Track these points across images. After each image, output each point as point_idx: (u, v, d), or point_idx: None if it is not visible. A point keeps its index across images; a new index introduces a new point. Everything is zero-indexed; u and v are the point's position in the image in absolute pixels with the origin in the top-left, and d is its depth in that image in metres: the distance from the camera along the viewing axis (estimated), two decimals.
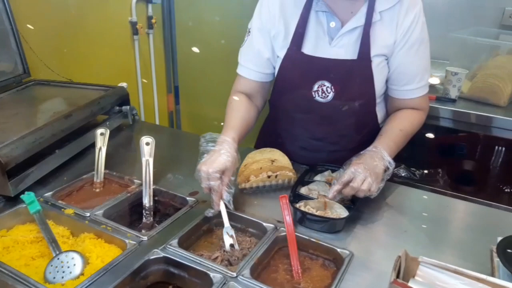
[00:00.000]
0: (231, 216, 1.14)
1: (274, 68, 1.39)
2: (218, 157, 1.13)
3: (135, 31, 2.47)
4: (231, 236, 1.08)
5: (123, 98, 1.68)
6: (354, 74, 1.26)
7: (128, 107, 1.66)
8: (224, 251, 1.04)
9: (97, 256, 1.00)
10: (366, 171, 1.12)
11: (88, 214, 1.12)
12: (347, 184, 1.13)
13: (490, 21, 2.37)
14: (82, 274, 0.95)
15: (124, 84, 1.76)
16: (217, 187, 1.10)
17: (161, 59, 2.82)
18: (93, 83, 1.76)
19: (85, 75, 2.11)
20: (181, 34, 2.84)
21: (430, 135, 2.13)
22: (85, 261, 0.98)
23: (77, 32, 2.16)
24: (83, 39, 2.20)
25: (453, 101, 2.02)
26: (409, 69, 1.29)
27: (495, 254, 0.97)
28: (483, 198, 1.97)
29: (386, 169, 1.18)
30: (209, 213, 1.13)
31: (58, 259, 0.99)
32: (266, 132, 1.58)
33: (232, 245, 1.06)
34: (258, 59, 1.37)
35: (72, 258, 0.99)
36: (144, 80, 2.72)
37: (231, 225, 1.13)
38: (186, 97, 3.05)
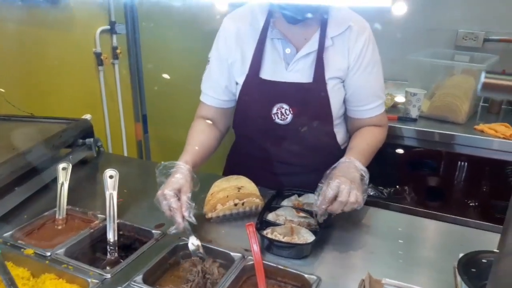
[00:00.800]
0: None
1: (234, 95, 1.43)
2: (171, 179, 1.17)
3: (100, 62, 2.46)
4: (197, 247, 1.09)
5: (87, 131, 1.66)
6: (311, 96, 1.31)
7: (92, 139, 1.64)
8: (191, 284, 1.02)
9: None
10: (351, 182, 1.12)
11: (49, 254, 1.08)
12: (334, 199, 1.12)
13: (445, 43, 2.50)
14: None
15: (88, 116, 1.74)
16: (175, 205, 1.11)
17: (128, 88, 2.81)
18: (55, 116, 1.72)
19: (49, 108, 2.07)
20: (148, 63, 2.84)
21: (395, 154, 2.19)
22: None
23: (39, 65, 2.13)
24: (46, 72, 2.17)
25: (414, 120, 2.09)
26: (366, 90, 1.35)
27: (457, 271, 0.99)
28: (450, 213, 2.02)
29: (362, 178, 1.20)
30: (172, 230, 1.14)
31: None
32: (232, 159, 1.59)
33: (200, 253, 1.08)
34: (216, 87, 1.42)
35: None
36: (114, 112, 2.69)
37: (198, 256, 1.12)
38: (155, 125, 3.03)
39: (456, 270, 0.99)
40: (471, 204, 2.15)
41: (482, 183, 2.19)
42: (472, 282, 0.87)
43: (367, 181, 1.21)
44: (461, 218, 2.00)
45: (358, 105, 1.38)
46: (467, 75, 2.16)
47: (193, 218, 1.14)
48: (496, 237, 1.21)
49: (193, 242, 1.11)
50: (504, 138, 1.89)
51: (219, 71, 1.41)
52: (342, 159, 1.25)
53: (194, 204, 1.15)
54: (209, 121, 1.45)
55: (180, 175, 1.18)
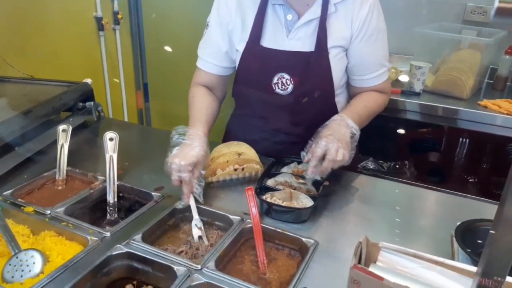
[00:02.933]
0: (197, 210, 1.13)
1: (234, 62, 1.41)
2: (190, 150, 1.13)
3: (101, 27, 2.41)
4: (200, 228, 1.08)
5: (87, 94, 1.64)
6: (312, 65, 1.29)
7: (92, 103, 1.62)
8: (190, 245, 1.03)
9: (57, 254, 0.97)
10: (338, 141, 1.13)
11: (48, 212, 1.09)
12: (322, 158, 1.13)
13: (453, 17, 2.44)
14: (42, 272, 0.93)
15: (88, 80, 1.72)
16: (188, 180, 1.10)
17: (129, 55, 2.77)
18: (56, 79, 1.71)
19: (48, 72, 2.04)
20: (149, 29, 2.80)
21: (397, 128, 2.18)
22: (45, 259, 0.95)
23: (39, 28, 2.10)
24: (45, 35, 2.13)
25: (417, 94, 2.06)
26: (369, 59, 1.33)
27: (454, 239, 0.99)
28: (449, 189, 2.02)
29: (352, 135, 1.20)
30: (179, 205, 1.14)
31: (17, 257, 0.95)
32: (232, 127, 1.58)
33: (200, 237, 1.06)
34: (216, 52, 1.39)
35: (32, 257, 0.96)
36: (116, 80, 2.66)
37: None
38: (156, 94, 3.00)
39: (453, 237, 1.00)
40: (470, 180, 2.15)
41: (482, 160, 2.19)
42: (469, 247, 0.87)
43: (357, 139, 1.22)
44: (460, 193, 2.00)
45: (361, 75, 1.36)
46: (474, 49, 2.12)
47: (202, 198, 1.14)
48: (494, 207, 1.21)
49: (196, 224, 1.09)
50: (507, 114, 1.87)
51: (220, 35, 1.37)
52: (335, 116, 1.24)
53: (204, 182, 1.15)
54: (208, 89, 1.42)
55: (200, 148, 1.13)
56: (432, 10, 2.46)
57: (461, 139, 2.18)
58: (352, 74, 1.37)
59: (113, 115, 2.68)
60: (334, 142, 1.12)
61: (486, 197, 1.97)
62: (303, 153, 1.20)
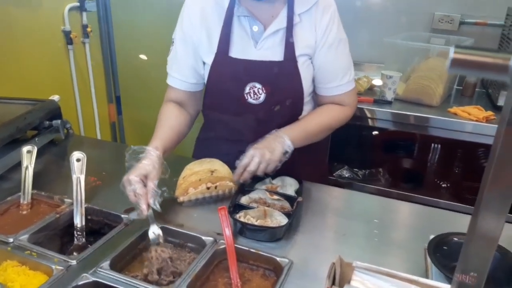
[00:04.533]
0: (169, 232, 1.10)
1: (202, 77, 1.40)
2: (139, 165, 1.13)
3: (69, 41, 2.36)
4: (158, 236, 1.06)
5: (54, 112, 1.59)
6: (283, 74, 1.30)
7: (59, 121, 1.57)
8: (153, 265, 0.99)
9: (20, 286, 0.92)
10: (262, 155, 1.20)
11: (11, 240, 1.03)
12: (246, 166, 1.22)
13: (422, 25, 2.49)
14: None
15: (55, 97, 1.67)
16: (140, 191, 1.08)
17: (100, 68, 2.72)
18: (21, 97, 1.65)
19: (15, 89, 1.98)
20: (120, 41, 2.75)
21: (370, 136, 2.20)
22: None
23: (4, 43, 2.03)
24: (11, 51, 2.07)
25: (389, 103, 2.09)
26: (331, 68, 1.35)
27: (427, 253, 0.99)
28: (423, 194, 2.06)
29: (285, 152, 1.26)
30: (134, 215, 1.13)
31: None
32: (202, 141, 1.56)
33: (160, 242, 1.05)
34: (183, 69, 1.39)
35: None
36: (91, 94, 2.60)
37: (168, 241, 1.09)
38: (129, 106, 2.95)
39: (426, 251, 1.00)
40: (443, 186, 2.18)
41: (454, 165, 2.23)
42: (441, 263, 0.87)
43: (289, 156, 1.27)
44: (433, 199, 2.03)
45: (323, 82, 1.37)
46: (443, 57, 2.16)
47: (158, 206, 1.11)
48: (466, 218, 1.23)
49: (154, 231, 1.07)
50: (476, 120, 1.90)
51: (184, 52, 1.36)
52: (272, 131, 1.29)
53: (160, 192, 1.12)
54: (177, 105, 1.41)
55: (148, 161, 1.14)
56: (402, 19, 2.51)
57: (433, 145, 2.22)
58: (317, 82, 1.39)
59: (84, 131, 2.62)
60: (258, 155, 1.20)
61: (459, 202, 2.02)
62: (237, 161, 1.25)
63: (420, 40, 2.30)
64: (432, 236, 1.00)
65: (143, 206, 1.08)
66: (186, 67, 1.38)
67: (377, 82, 2.26)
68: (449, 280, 0.88)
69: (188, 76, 1.39)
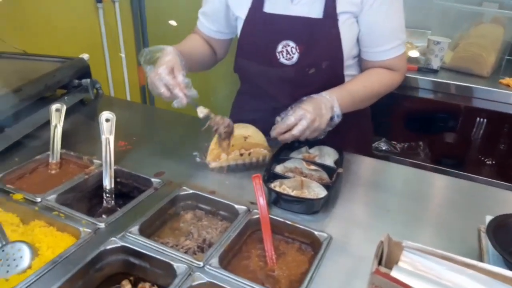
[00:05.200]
0: (200, 198, 1.05)
1: (233, 28, 1.35)
2: (160, 62, 1.10)
3: None
4: (207, 112, 1.08)
5: (83, 71, 1.54)
6: (320, 32, 1.18)
7: (88, 80, 1.52)
8: (192, 236, 0.95)
9: (47, 247, 0.89)
10: (311, 121, 1.09)
11: (39, 200, 1.00)
12: (291, 127, 1.10)
13: None
14: (29, 267, 0.85)
15: (85, 56, 1.62)
16: (172, 81, 1.06)
17: (130, 29, 2.64)
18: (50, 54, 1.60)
19: (43, 47, 1.93)
20: (151, 4, 2.65)
21: (411, 107, 2.06)
22: (34, 253, 0.87)
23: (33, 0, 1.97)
24: (40, 7, 2.01)
25: (435, 71, 1.94)
26: (380, 29, 1.21)
27: (483, 234, 0.90)
28: (464, 171, 1.93)
29: (331, 119, 1.15)
30: (175, 104, 1.09)
31: (3, 251, 0.87)
32: (238, 106, 1.48)
33: (207, 117, 1.08)
34: (214, 16, 1.34)
35: (19, 250, 0.88)
36: (121, 55, 2.54)
37: (200, 208, 1.05)
38: None
39: (482, 233, 0.91)
40: (487, 163, 2.04)
41: (500, 141, 2.08)
42: (502, 247, 0.78)
43: (334, 124, 1.17)
44: (476, 176, 1.91)
45: (371, 46, 1.24)
46: (496, 24, 1.98)
47: (194, 91, 1.09)
48: None
49: (202, 111, 1.08)
50: None
51: (217, 1, 1.30)
52: (324, 93, 1.17)
53: (190, 81, 1.09)
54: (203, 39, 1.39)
55: (169, 56, 1.10)
56: None
57: (478, 119, 2.06)
58: (362, 45, 1.25)
59: (114, 93, 2.58)
60: (307, 120, 1.08)
61: (504, 180, 1.88)
62: (277, 118, 1.15)
63: (471, 4, 2.12)
64: (489, 217, 0.90)
65: (180, 94, 1.05)
66: (217, 14, 1.32)
67: (419, 50, 2.10)
68: (509, 266, 0.79)
69: (218, 25, 1.35)
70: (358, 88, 1.23)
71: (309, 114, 1.09)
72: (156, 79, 1.06)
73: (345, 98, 1.18)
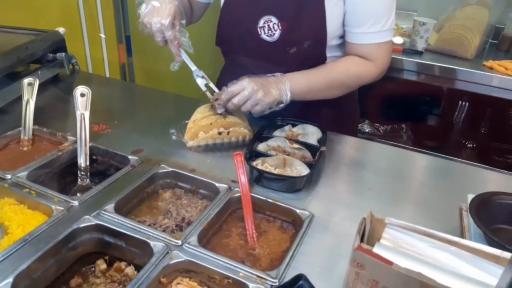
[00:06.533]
0: (180, 176, 1.02)
1: None
2: (162, 4, 1.06)
3: None
4: (203, 77, 1.14)
5: (58, 44, 1.47)
6: (304, 9, 1.13)
7: (63, 54, 1.45)
8: (171, 214, 0.92)
9: (18, 225, 0.85)
10: (254, 91, 1.08)
11: (9, 177, 0.96)
12: (234, 95, 1.10)
13: None
14: None
15: (60, 29, 1.54)
16: (173, 37, 1.06)
17: (109, 5, 2.54)
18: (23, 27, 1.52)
19: (18, 19, 1.84)
20: None
21: (394, 89, 2.05)
22: (3, 232, 0.84)
23: None
24: None
25: (419, 53, 1.93)
26: (361, 8, 1.13)
27: (465, 213, 0.90)
28: (446, 154, 1.94)
29: (279, 102, 1.13)
30: (175, 66, 1.13)
31: None
32: (221, 82, 1.43)
33: (207, 85, 1.13)
34: None
35: None
36: (102, 35, 2.45)
37: (180, 186, 1.01)
38: (140, 49, 2.79)
39: (464, 211, 0.91)
40: (469, 146, 2.06)
41: (482, 125, 2.09)
42: (483, 224, 0.78)
43: (282, 107, 1.14)
44: (457, 159, 1.92)
45: (350, 25, 1.16)
46: (482, 6, 1.98)
47: (191, 47, 1.12)
48: (503, 177, 1.13)
49: (197, 74, 1.14)
50: None
51: None
52: (278, 74, 1.15)
53: (188, 33, 1.11)
54: None
55: (172, 3, 1.07)
56: None
57: (460, 102, 2.07)
58: (344, 24, 1.18)
59: (93, 70, 2.49)
60: (249, 90, 1.08)
61: (484, 163, 1.90)
62: (224, 87, 1.13)
63: None
64: (471, 195, 0.89)
65: (177, 51, 1.09)
66: None
67: (400, 40, 2.08)
68: (491, 243, 0.78)
69: None
70: (318, 75, 1.18)
71: (252, 84, 1.08)
72: (158, 29, 1.05)
73: (300, 84, 1.15)
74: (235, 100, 1.09)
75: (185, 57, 1.13)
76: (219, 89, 1.15)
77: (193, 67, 1.15)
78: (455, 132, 2.10)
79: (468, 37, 1.89)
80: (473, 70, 1.82)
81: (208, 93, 1.16)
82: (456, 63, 1.88)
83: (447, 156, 1.91)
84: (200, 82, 1.15)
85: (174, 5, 1.07)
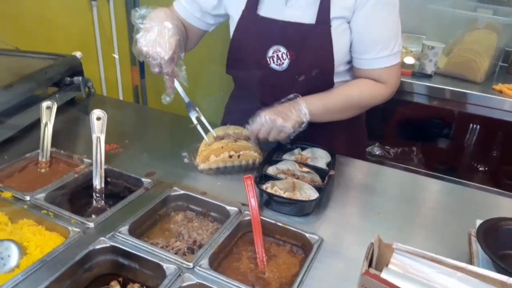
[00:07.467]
0: (191, 199, 1.04)
1: (211, 19, 1.33)
2: (164, 37, 1.06)
3: None
4: (196, 110, 1.16)
5: (76, 69, 1.52)
6: (312, 39, 1.16)
7: (80, 78, 1.51)
8: (182, 237, 0.94)
9: (36, 246, 0.88)
10: (273, 122, 1.11)
11: (28, 198, 0.99)
12: (257, 133, 1.14)
13: None
14: (17, 267, 0.83)
15: (77, 54, 1.60)
16: (171, 72, 1.07)
17: (124, 29, 2.62)
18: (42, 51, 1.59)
19: (36, 44, 1.91)
20: (145, 1, 2.64)
21: (405, 112, 2.07)
22: (22, 252, 0.86)
23: None
24: (33, 3, 1.99)
25: (429, 76, 1.95)
26: (369, 35, 1.16)
27: (473, 238, 0.90)
28: (457, 177, 1.94)
29: (301, 122, 1.15)
30: (165, 99, 1.12)
31: None
32: (231, 108, 1.47)
33: (198, 118, 1.14)
34: (205, 3, 1.28)
35: (7, 249, 0.86)
36: (115, 56, 2.53)
37: (191, 209, 1.04)
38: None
39: (472, 237, 0.91)
40: (480, 169, 2.05)
41: (493, 148, 2.09)
42: (492, 250, 0.78)
43: (303, 127, 1.16)
44: (469, 182, 1.92)
45: (359, 52, 1.19)
46: (490, 30, 2.00)
47: (186, 81, 1.13)
48: (511, 202, 1.13)
49: (190, 107, 1.16)
50: None
51: None
52: (292, 95, 1.18)
53: (184, 66, 1.12)
54: None
55: (174, 29, 1.08)
56: None
57: (471, 125, 2.08)
58: (352, 51, 1.21)
59: (107, 93, 2.56)
60: (268, 124, 1.11)
61: (496, 187, 1.89)
62: (247, 126, 1.17)
63: (466, 9, 2.13)
64: (479, 221, 0.90)
65: (171, 85, 1.11)
66: (206, 3, 1.27)
67: (412, 60, 2.11)
68: (498, 269, 0.79)
69: (201, 14, 1.30)
70: (333, 96, 1.21)
71: (269, 117, 1.11)
72: (156, 62, 1.06)
73: (316, 104, 1.17)
74: (260, 136, 1.14)
75: (179, 90, 1.13)
76: (225, 117, 1.19)
77: (186, 99, 1.16)
78: (467, 155, 2.10)
79: (477, 60, 1.91)
80: (483, 94, 1.83)
81: (198, 127, 1.16)
82: (466, 86, 1.89)
83: (457, 180, 1.91)
84: (192, 115, 1.16)
85: (175, 39, 1.07)
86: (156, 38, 1.05)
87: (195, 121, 1.16)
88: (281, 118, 1.11)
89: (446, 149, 2.10)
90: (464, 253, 0.91)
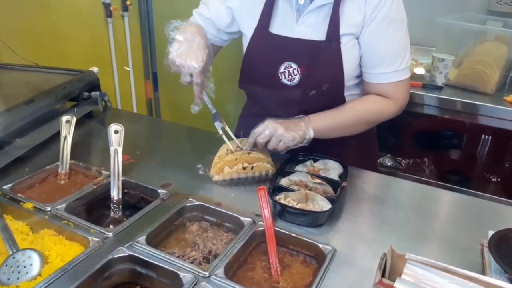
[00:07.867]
0: (206, 210, 1.06)
1: (230, 37, 1.39)
2: (198, 48, 1.12)
3: (109, 13, 2.34)
4: (221, 121, 1.21)
5: (93, 83, 1.57)
6: (322, 55, 1.19)
7: (97, 92, 1.55)
8: (198, 247, 0.96)
9: (57, 255, 0.91)
10: (275, 129, 1.15)
11: (48, 209, 1.02)
12: (257, 135, 1.17)
13: (477, 7, 2.32)
14: (39, 275, 0.86)
15: (94, 69, 1.66)
16: (201, 82, 1.11)
17: (138, 43, 2.69)
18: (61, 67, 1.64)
19: (54, 59, 1.98)
20: (159, 17, 2.71)
21: (416, 124, 2.08)
22: (44, 261, 0.89)
23: (44, 13, 2.03)
24: (51, 21, 2.07)
25: (439, 88, 1.96)
26: (376, 51, 1.19)
27: (486, 250, 0.91)
28: (469, 188, 1.94)
29: (303, 138, 1.18)
30: (194, 109, 1.17)
31: (13, 258, 0.89)
32: (244, 120, 1.50)
33: (223, 129, 1.20)
34: (219, 21, 1.33)
35: (29, 257, 0.89)
36: (127, 68, 2.59)
37: (206, 219, 1.06)
38: (166, 84, 2.93)
39: (485, 248, 0.92)
40: (492, 180, 2.05)
41: (505, 159, 2.09)
42: (505, 261, 0.79)
43: (305, 143, 1.19)
44: (481, 193, 1.91)
45: (367, 66, 1.23)
46: (500, 42, 2.01)
47: (213, 93, 1.19)
48: None
49: (216, 117, 1.21)
50: None
51: (217, 9, 1.31)
52: (301, 116, 1.22)
53: (212, 78, 1.18)
54: None
55: (205, 42, 1.13)
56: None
57: (483, 136, 2.08)
58: (361, 65, 1.25)
59: (121, 105, 2.62)
60: (270, 128, 1.15)
61: (509, 197, 1.88)
62: (252, 130, 1.20)
63: (475, 22, 2.14)
64: (491, 232, 0.91)
65: (200, 95, 1.15)
66: (220, 21, 1.32)
67: (423, 67, 2.13)
68: (511, 279, 0.79)
69: (217, 31, 1.35)
70: (341, 114, 1.24)
71: (272, 124, 1.15)
72: (187, 72, 1.10)
73: (325, 121, 1.22)
74: (259, 139, 1.16)
75: (206, 100, 1.19)
76: (238, 130, 1.22)
77: (213, 110, 1.22)
78: (479, 166, 2.09)
79: (487, 72, 1.92)
80: (494, 105, 1.83)
81: (224, 136, 1.21)
82: (477, 98, 1.90)
83: (470, 191, 1.91)
84: (218, 125, 1.21)
85: (207, 52, 1.13)
86: (189, 50, 1.11)
87: (220, 132, 1.21)
88: (283, 128, 1.15)
89: (458, 160, 2.10)
90: (477, 264, 0.91)
